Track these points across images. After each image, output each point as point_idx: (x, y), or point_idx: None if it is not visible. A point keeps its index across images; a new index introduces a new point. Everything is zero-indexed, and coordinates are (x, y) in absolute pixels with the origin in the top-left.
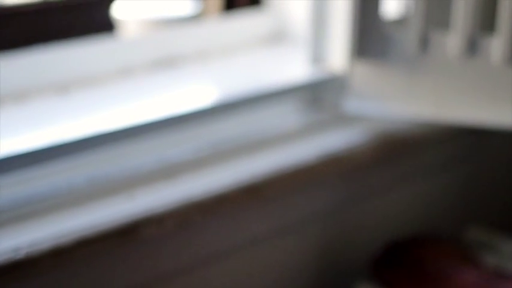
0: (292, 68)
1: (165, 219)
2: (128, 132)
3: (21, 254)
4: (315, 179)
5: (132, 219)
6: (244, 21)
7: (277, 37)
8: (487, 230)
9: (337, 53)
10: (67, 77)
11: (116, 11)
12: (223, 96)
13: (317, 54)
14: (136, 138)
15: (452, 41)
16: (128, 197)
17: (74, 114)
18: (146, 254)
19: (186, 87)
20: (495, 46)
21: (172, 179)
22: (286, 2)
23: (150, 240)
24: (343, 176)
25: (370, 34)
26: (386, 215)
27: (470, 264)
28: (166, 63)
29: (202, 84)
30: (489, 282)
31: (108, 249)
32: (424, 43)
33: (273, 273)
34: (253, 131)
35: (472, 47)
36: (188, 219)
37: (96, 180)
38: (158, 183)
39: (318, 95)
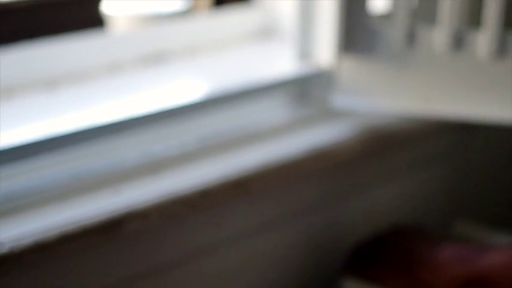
0: (280, 63)
1: (150, 213)
2: (115, 127)
3: (4, 248)
4: (302, 174)
5: (117, 214)
6: (234, 17)
7: (266, 32)
8: (475, 225)
9: (324, 48)
10: (56, 73)
11: (105, 7)
12: (211, 91)
13: (304, 50)
14: (123, 133)
15: (439, 36)
16: (113, 192)
17: (61, 109)
18: (131, 249)
19: (174, 82)
20: (481, 41)
21: (158, 174)
22: None
23: (135, 235)
24: (330, 171)
25: (356, 29)
26: (373, 210)
27: (450, 242)
28: (156, 59)
29: (191, 80)
30: (469, 255)
31: (92, 244)
32: (411, 38)
33: (258, 268)
34: (241, 126)
35: (459, 41)
36: (173, 214)
37: (82, 175)
38: (144, 177)
39: (305, 90)
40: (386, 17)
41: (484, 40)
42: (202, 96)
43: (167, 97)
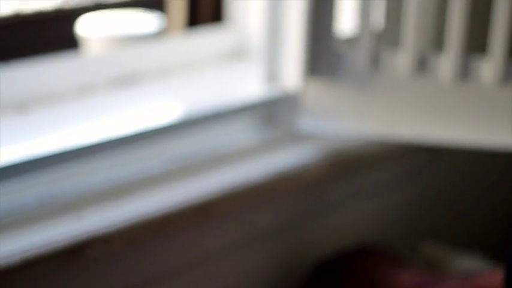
0: (248, 86)
1: (112, 239)
2: (82, 152)
3: None
4: (268, 196)
5: (79, 240)
6: (206, 39)
7: (238, 54)
8: (439, 246)
9: (291, 72)
10: (27, 95)
11: (79, 28)
12: (179, 115)
13: (272, 73)
14: (91, 157)
15: (403, 59)
16: (76, 217)
17: (31, 134)
18: (94, 274)
19: (145, 105)
20: (444, 64)
21: (122, 199)
22: (247, 19)
23: (98, 260)
24: (296, 194)
25: (322, 53)
26: (339, 232)
27: (409, 268)
28: (128, 81)
29: (162, 102)
30: (428, 282)
31: (55, 270)
32: (375, 61)
33: None
34: (207, 149)
35: (422, 65)
36: (136, 239)
37: (46, 200)
38: (108, 202)
39: (272, 113)
40: (351, 41)
41: (446, 63)
42: (168, 120)
43: (137, 120)
